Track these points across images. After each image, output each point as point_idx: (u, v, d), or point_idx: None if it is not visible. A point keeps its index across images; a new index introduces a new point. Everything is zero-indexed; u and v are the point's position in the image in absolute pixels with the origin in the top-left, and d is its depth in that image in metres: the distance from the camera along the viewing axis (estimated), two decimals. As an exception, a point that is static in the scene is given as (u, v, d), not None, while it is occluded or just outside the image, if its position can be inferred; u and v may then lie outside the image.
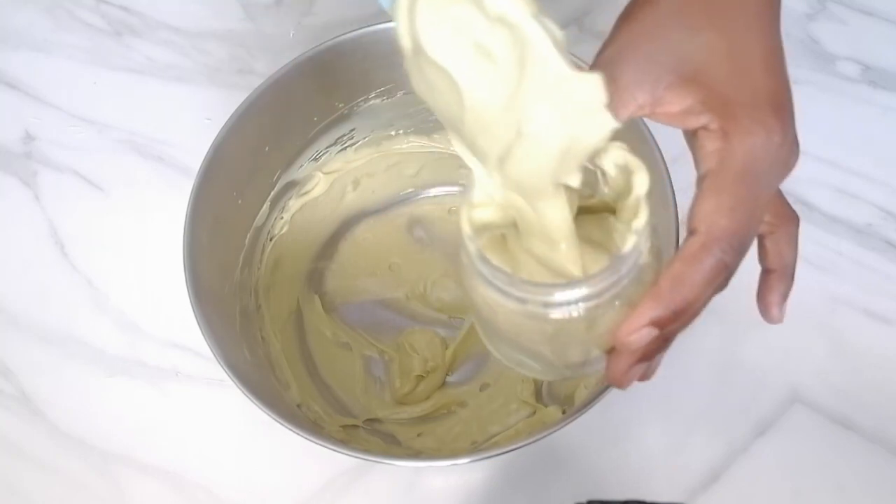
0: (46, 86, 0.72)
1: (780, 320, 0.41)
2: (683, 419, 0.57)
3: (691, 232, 0.34)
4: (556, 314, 0.35)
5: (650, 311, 0.33)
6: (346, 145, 0.61)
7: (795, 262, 0.39)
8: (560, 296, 0.34)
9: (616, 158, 0.34)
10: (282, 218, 0.61)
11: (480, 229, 0.36)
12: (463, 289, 0.38)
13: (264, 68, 0.72)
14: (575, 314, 0.34)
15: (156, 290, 0.64)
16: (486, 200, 0.36)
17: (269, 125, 0.56)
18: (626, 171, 0.34)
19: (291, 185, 0.61)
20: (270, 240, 0.61)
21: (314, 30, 0.73)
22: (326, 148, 0.61)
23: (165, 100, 0.71)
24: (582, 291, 0.34)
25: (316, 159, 0.61)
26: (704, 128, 0.34)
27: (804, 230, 0.63)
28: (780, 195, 0.38)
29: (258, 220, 0.59)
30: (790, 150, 0.34)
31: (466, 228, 0.35)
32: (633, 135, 0.46)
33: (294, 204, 0.62)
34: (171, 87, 0.72)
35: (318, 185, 0.62)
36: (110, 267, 0.66)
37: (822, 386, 0.59)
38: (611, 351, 0.36)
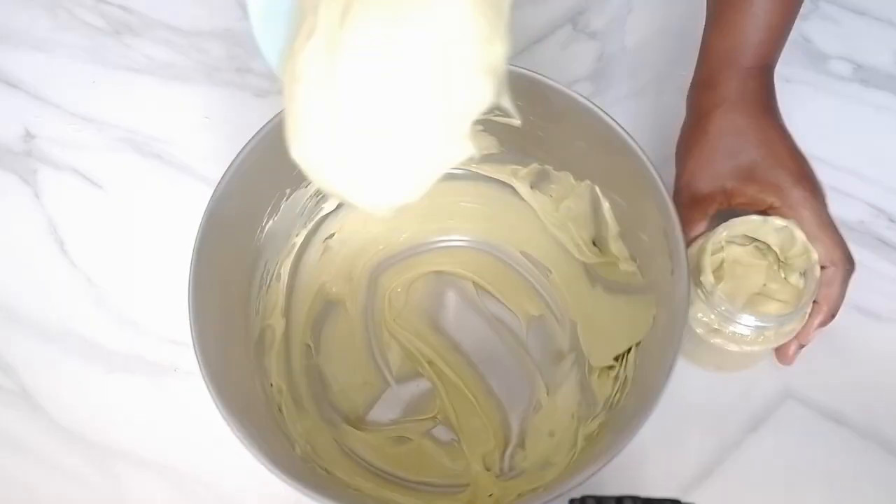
0: (46, 84, 0.72)
1: (791, 361, 0.58)
2: (677, 415, 0.57)
3: (824, 266, 0.53)
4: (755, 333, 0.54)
5: (818, 319, 0.55)
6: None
7: (838, 302, 0.55)
8: (791, 322, 0.54)
9: (778, 224, 0.54)
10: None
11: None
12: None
13: (262, 67, 0.72)
14: (791, 326, 0.55)
15: (155, 287, 0.65)
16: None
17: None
18: (788, 231, 0.54)
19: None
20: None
21: (312, 29, 0.73)
22: None
23: (164, 98, 0.71)
24: (798, 315, 0.54)
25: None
26: (772, 207, 0.54)
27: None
28: (840, 241, 0.55)
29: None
30: (822, 192, 0.56)
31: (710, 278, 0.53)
32: (634, 164, 0.52)
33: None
34: (170, 85, 0.72)
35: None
36: (109, 264, 0.66)
37: (814, 382, 0.60)
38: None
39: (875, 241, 0.64)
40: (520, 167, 0.60)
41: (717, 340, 0.54)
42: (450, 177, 0.61)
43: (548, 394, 0.60)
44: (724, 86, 0.56)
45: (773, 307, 0.55)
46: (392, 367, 0.62)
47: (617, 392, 0.56)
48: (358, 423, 0.60)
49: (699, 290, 0.53)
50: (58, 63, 0.73)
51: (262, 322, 0.58)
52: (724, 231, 0.54)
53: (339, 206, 0.61)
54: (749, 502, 0.58)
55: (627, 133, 0.52)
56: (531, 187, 0.61)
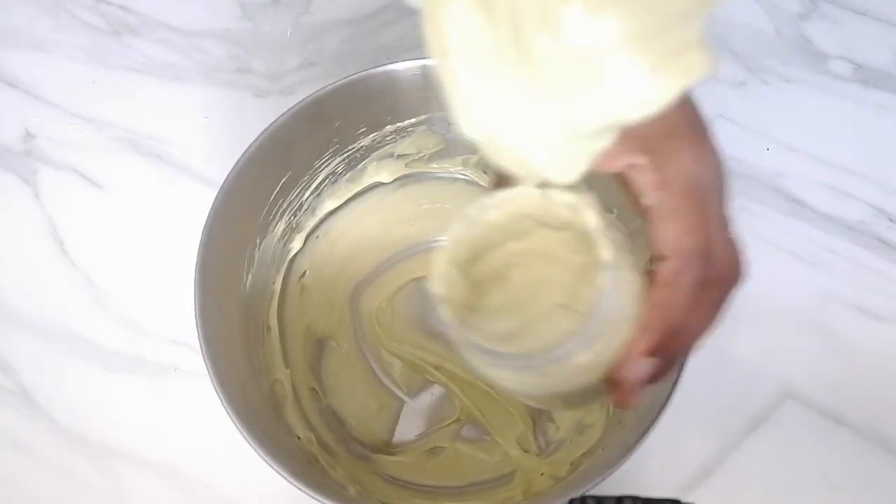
0: (46, 84, 0.72)
1: (627, 403, 0.37)
2: (676, 415, 0.57)
3: (660, 258, 0.34)
4: (561, 364, 0.35)
5: (644, 341, 0.34)
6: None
7: (682, 315, 0.35)
8: (563, 349, 0.34)
9: (561, 201, 0.35)
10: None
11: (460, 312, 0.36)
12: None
13: (262, 67, 0.72)
14: (580, 359, 0.35)
15: (155, 287, 0.65)
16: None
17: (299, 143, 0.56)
18: (577, 212, 0.35)
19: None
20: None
21: (311, 29, 0.73)
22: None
23: (164, 98, 0.71)
24: (574, 341, 0.34)
25: (334, 182, 0.61)
26: (632, 166, 0.35)
27: (796, 227, 0.64)
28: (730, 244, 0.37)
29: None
30: (719, 163, 0.35)
31: (447, 318, 0.36)
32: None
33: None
34: (170, 85, 0.72)
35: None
36: (109, 264, 0.66)
37: (814, 382, 0.60)
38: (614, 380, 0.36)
39: (875, 241, 0.64)
40: (470, 155, 0.61)
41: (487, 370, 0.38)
42: (401, 184, 0.63)
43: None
44: None
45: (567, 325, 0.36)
46: (401, 384, 0.62)
47: None
48: (387, 448, 0.60)
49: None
50: (58, 63, 0.73)
51: (270, 378, 0.57)
52: (487, 210, 0.37)
53: (305, 244, 0.61)
54: (749, 502, 0.58)
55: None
56: (484, 171, 0.62)
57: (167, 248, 0.65)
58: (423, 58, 0.53)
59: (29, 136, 0.70)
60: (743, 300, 0.63)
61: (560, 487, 0.53)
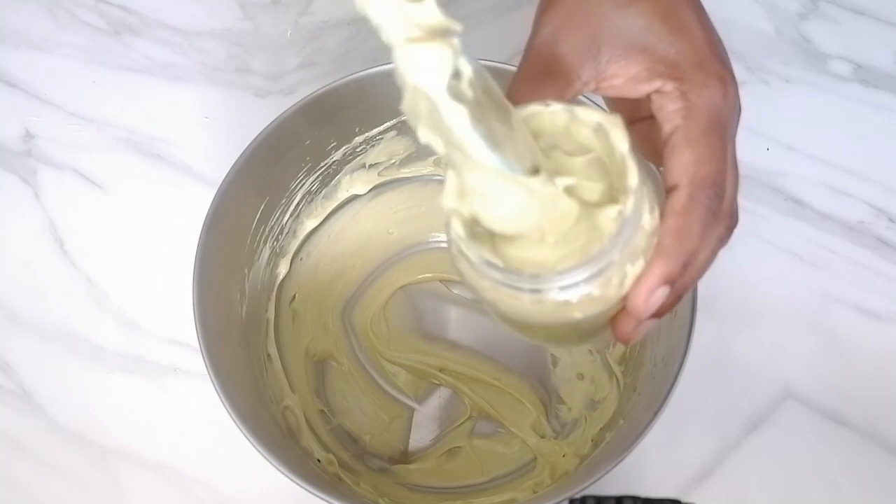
0: (46, 84, 0.72)
1: (628, 337, 0.36)
2: (676, 415, 0.57)
3: (674, 187, 0.34)
4: (572, 296, 0.33)
5: (660, 268, 0.33)
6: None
7: (693, 245, 0.34)
8: (573, 276, 0.33)
9: (589, 120, 0.33)
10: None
11: (470, 227, 0.34)
12: (470, 289, 0.36)
13: (262, 67, 0.72)
14: (593, 290, 0.33)
15: (155, 287, 0.65)
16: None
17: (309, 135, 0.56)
18: (603, 133, 0.33)
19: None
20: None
21: (311, 29, 0.73)
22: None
23: (164, 98, 0.71)
24: (591, 268, 0.32)
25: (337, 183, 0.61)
26: (658, 91, 0.35)
27: (796, 227, 0.64)
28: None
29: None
30: (737, 100, 0.36)
31: (460, 232, 0.33)
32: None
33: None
34: (170, 85, 0.72)
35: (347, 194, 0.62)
36: (109, 264, 0.66)
37: (815, 382, 0.60)
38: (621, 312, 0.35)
39: (875, 241, 0.64)
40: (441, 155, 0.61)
41: (487, 295, 0.35)
42: (375, 194, 0.62)
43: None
44: None
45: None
46: (408, 392, 0.62)
47: None
48: (405, 458, 0.60)
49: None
50: (58, 63, 0.73)
51: (280, 407, 0.57)
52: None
53: (290, 267, 0.61)
54: (749, 502, 0.58)
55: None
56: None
57: (167, 247, 0.65)
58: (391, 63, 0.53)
59: (29, 136, 0.70)
60: (743, 300, 0.63)
61: (587, 464, 0.53)
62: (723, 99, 0.35)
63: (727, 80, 0.35)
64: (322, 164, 0.59)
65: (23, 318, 0.64)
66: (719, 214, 0.35)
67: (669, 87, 0.35)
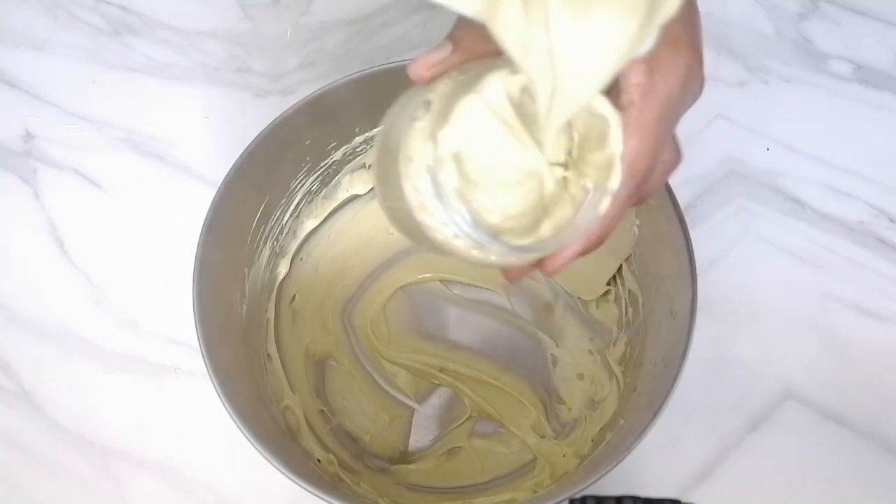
0: (46, 84, 0.72)
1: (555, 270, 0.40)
2: (676, 415, 0.57)
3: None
4: (508, 256, 0.36)
5: (580, 247, 0.38)
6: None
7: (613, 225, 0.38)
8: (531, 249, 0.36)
9: (600, 110, 0.34)
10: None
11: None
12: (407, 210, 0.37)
13: (262, 67, 0.72)
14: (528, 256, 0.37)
15: (155, 287, 0.65)
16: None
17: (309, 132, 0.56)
18: (601, 122, 0.34)
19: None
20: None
21: (311, 29, 0.73)
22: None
23: (164, 98, 0.71)
24: (546, 247, 0.36)
25: (337, 184, 0.61)
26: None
27: (796, 227, 0.64)
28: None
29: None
30: (701, 83, 0.37)
31: (454, 182, 0.34)
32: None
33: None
34: (170, 85, 0.72)
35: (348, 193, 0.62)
36: (109, 264, 0.66)
37: (814, 382, 0.60)
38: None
39: (875, 242, 0.64)
40: None
41: (425, 220, 0.36)
42: (375, 194, 0.62)
43: (557, 345, 0.62)
44: None
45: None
46: (408, 392, 0.62)
47: (629, 308, 0.58)
48: (404, 458, 0.60)
49: (428, 144, 0.35)
50: (58, 63, 0.73)
51: (280, 407, 0.57)
52: (499, 79, 0.35)
53: (290, 268, 0.61)
54: (749, 502, 0.58)
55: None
56: None
57: (167, 247, 0.65)
58: (391, 62, 0.53)
59: (29, 136, 0.70)
60: (743, 300, 0.63)
61: (587, 464, 0.54)
62: (681, 89, 0.36)
63: (694, 68, 0.36)
64: (322, 164, 0.59)
65: (23, 318, 0.64)
66: (637, 195, 0.38)
67: (640, 58, 0.35)
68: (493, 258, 0.37)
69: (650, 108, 0.35)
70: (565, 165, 0.36)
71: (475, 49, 0.37)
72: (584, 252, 0.38)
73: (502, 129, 0.35)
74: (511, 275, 0.43)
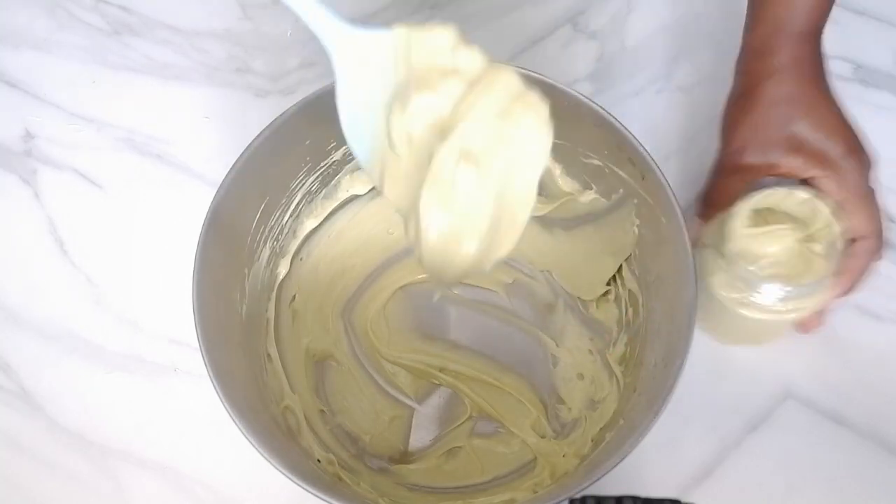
0: (46, 84, 0.72)
1: (809, 328, 0.60)
2: (676, 415, 0.57)
3: (856, 238, 0.54)
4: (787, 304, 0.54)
5: (838, 290, 0.56)
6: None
7: (860, 275, 0.56)
8: (815, 292, 0.54)
9: (802, 196, 0.54)
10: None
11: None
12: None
13: (262, 67, 0.72)
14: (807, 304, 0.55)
15: (155, 287, 0.65)
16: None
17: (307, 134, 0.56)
18: (810, 203, 0.54)
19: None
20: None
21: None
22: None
23: (164, 98, 0.71)
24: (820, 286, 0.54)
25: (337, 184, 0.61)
26: (814, 178, 0.54)
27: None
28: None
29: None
30: (869, 160, 0.55)
31: (743, 230, 0.54)
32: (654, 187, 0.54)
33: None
34: (170, 85, 0.72)
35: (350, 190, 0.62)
36: (109, 264, 0.66)
37: (815, 382, 0.60)
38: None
39: (875, 241, 0.64)
40: None
41: (742, 310, 0.55)
42: (374, 194, 0.62)
43: (557, 345, 0.62)
44: (777, 53, 0.56)
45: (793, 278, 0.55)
46: (408, 392, 0.62)
47: (629, 308, 0.58)
48: (404, 458, 0.60)
49: (720, 260, 0.54)
50: (58, 63, 0.73)
51: (280, 407, 0.57)
52: (749, 202, 0.54)
53: (290, 267, 0.61)
54: (749, 502, 0.58)
55: (629, 132, 0.52)
56: None
57: (167, 247, 0.65)
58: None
59: (29, 136, 0.70)
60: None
61: (587, 464, 0.54)
62: (863, 175, 0.54)
63: (864, 161, 0.54)
64: (322, 164, 0.59)
65: (23, 318, 0.64)
66: (879, 250, 0.56)
67: (821, 173, 0.54)
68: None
69: (854, 197, 0.54)
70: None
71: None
72: (843, 294, 0.56)
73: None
74: (807, 325, 0.59)
